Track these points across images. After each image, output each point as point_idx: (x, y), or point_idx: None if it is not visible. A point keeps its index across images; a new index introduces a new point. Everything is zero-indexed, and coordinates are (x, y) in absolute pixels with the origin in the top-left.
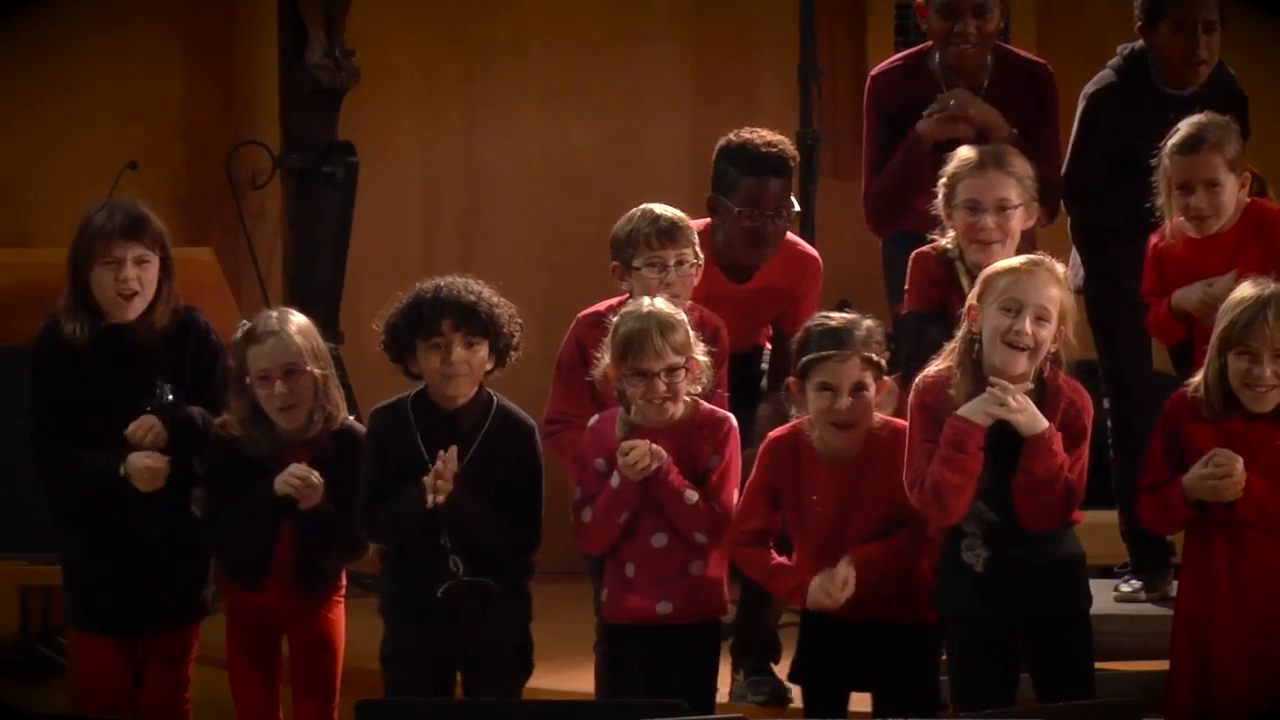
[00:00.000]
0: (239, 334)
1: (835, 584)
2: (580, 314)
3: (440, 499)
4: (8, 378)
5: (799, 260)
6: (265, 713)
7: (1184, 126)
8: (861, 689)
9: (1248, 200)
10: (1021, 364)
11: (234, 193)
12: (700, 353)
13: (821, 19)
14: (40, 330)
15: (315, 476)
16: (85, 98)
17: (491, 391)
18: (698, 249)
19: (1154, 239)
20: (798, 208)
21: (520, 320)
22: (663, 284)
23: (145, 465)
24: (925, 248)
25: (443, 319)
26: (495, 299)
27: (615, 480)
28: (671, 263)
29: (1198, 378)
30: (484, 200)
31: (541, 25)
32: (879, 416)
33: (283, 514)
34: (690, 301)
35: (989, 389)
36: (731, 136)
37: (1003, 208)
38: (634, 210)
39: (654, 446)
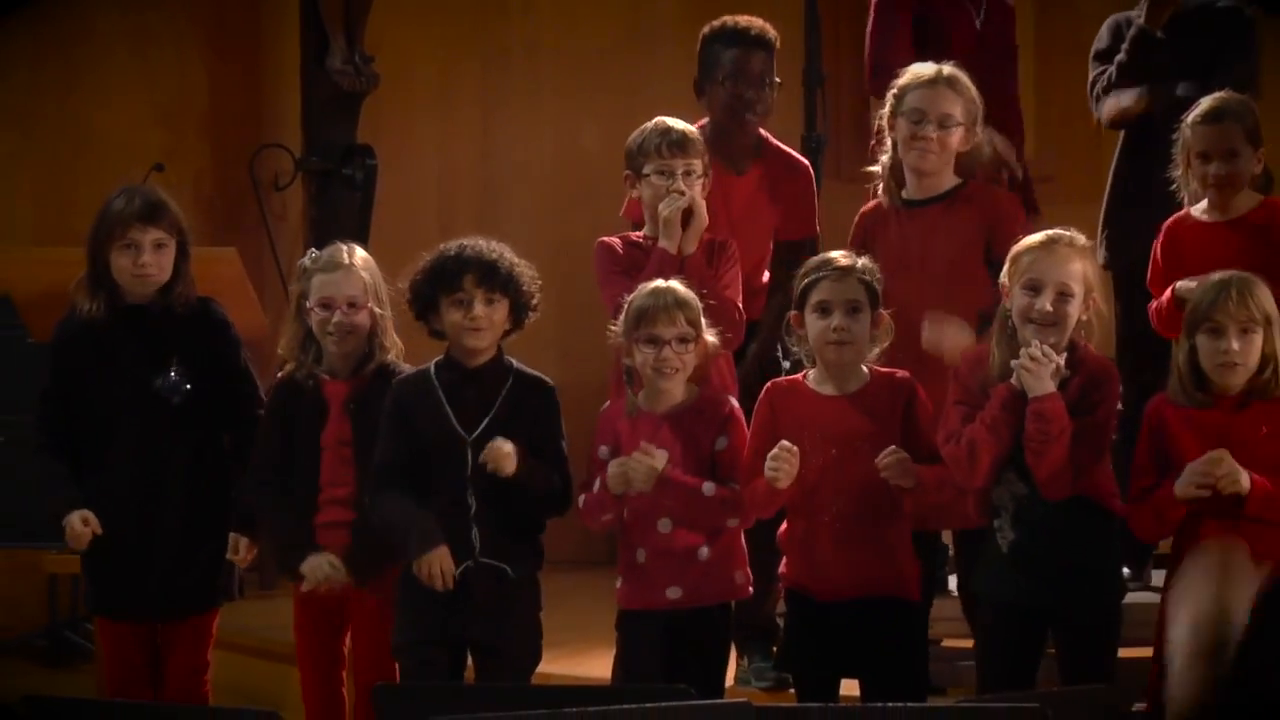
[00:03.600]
0: (307, 261)
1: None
2: None
3: (428, 583)
4: (41, 372)
5: (790, 162)
6: (331, 700)
7: (1205, 100)
8: (849, 673)
9: (1261, 198)
10: (1049, 339)
11: (257, 194)
12: (711, 335)
13: (826, 25)
14: (60, 320)
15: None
16: (114, 102)
17: (509, 357)
18: (706, 162)
19: (1167, 224)
20: (779, 80)
21: (540, 281)
22: (670, 189)
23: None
24: (867, 207)
25: (465, 275)
26: (516, 259)
27: (598, 486)
28: (679, 171)
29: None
30: (498, 201)
31: (554, 31)
32: (879, 369)
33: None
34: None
35: (1023, 350)
36: (712, 23)
37: (945, 124)
38: (647, 123)
39: (651, 461)
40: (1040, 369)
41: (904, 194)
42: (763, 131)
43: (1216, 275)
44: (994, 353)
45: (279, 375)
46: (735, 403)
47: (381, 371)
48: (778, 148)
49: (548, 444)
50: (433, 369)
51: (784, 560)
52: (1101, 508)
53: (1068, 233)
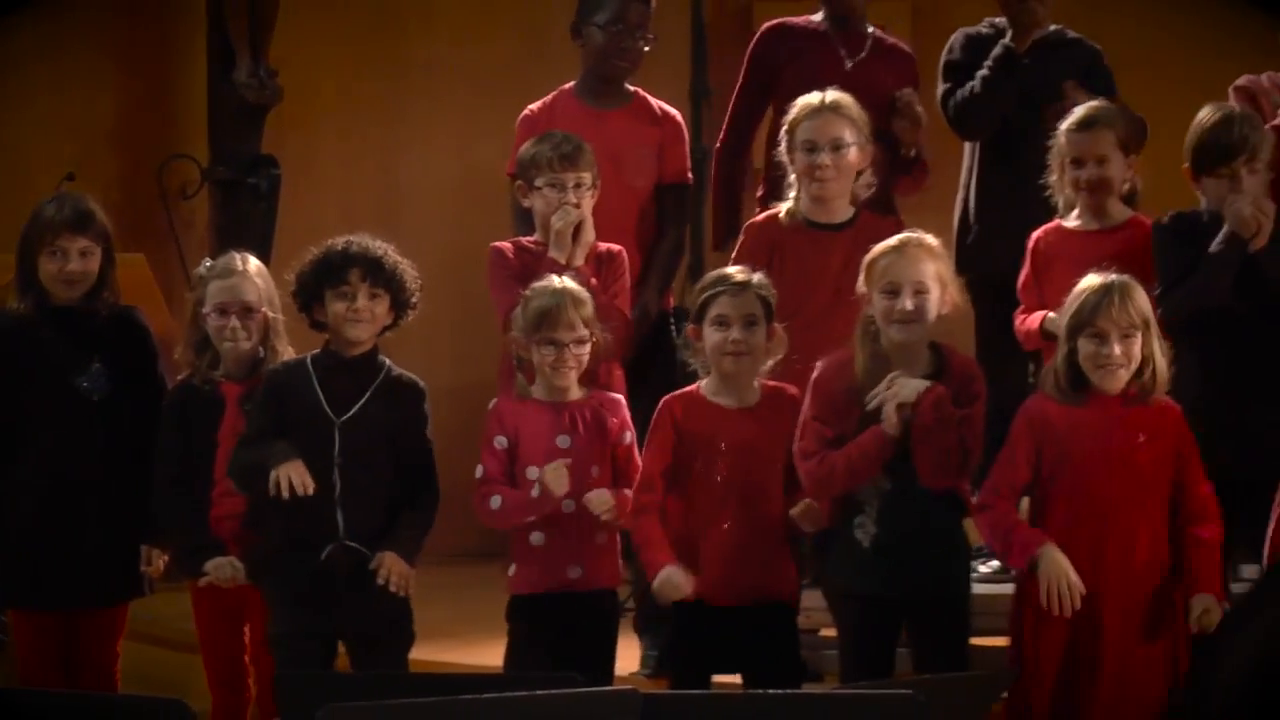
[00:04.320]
0: (204, 269)
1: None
2: None
3: (288, 493)
4: None
5: (660, 111)
6: (234, 688)
7: (1079, 109)
8: (730, 671)
9: (1132, 213)
10: (913, 336)
11: (164, 203)
12: (605, 332)
13: (712, 41)
14: None
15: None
16: (26, 114)
17: (385, 358)
18: (595, 173)
19: (1038, 233)
20: (653, 36)
21: (421, 281)
22: (561, 204)
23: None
24: (757, 218)
25: (351, 269)
26: (400, 258)
27: (536, 491)
28: (571, 184)
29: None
30: (398, 210)
31: (452, 48)
32: (769, 383)
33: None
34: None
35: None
36: None
37: (837, 146)
38: (542, 134)
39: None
40: (902, 385)
41: (803, 214)
42: (639, 89)
43: (1098, 279)
44: (858, 358)
45: (178, 379)
46: (623, 402)
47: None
48: (647, 98)
49: (414, 441)
50: (309, 357)
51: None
52: (959, 501)
53: (917, 234)
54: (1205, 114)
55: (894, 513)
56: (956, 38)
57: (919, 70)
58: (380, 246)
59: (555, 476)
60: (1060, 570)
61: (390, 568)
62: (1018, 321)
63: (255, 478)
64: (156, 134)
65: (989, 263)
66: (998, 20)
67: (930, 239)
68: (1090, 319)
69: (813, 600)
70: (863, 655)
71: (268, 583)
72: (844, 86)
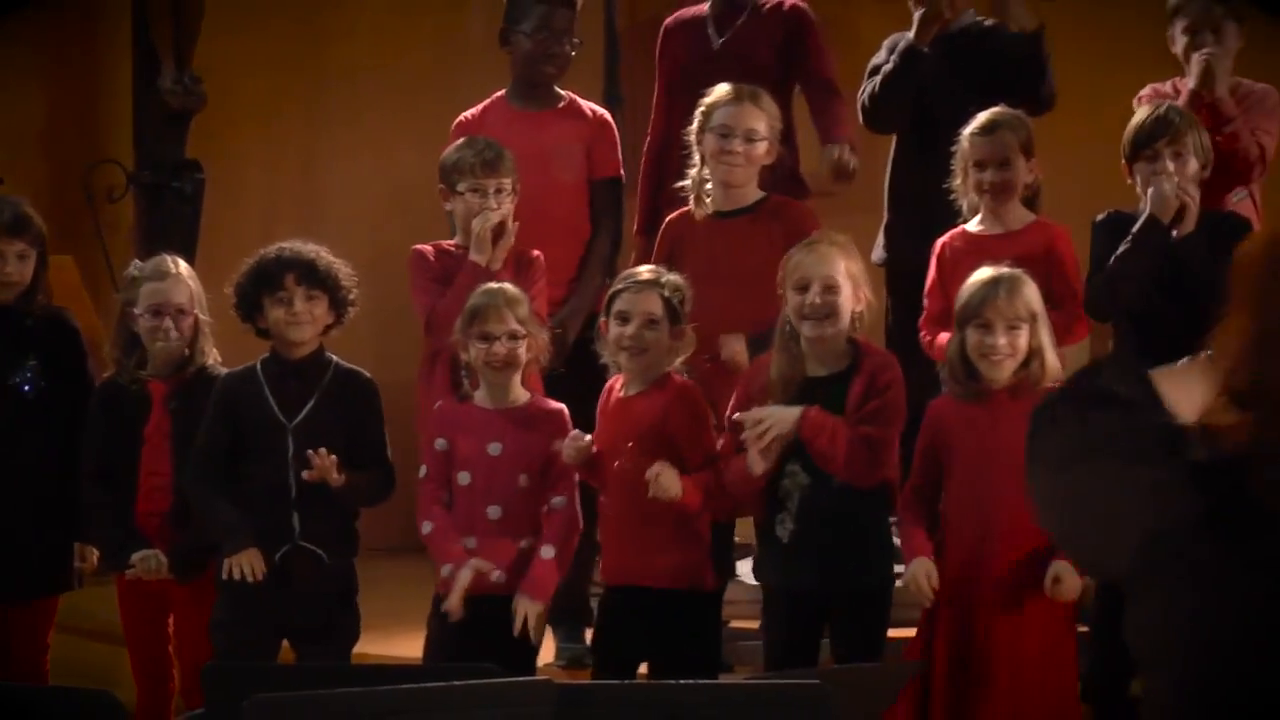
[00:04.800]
0: (134, 270)
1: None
2: None
3: (243, 576)
4: None
5: (586, 110)
6: (158, 678)
7: (982, 114)
8: (649, 659)
9: (1035, 217)
10: (825, 331)
11: (91, 206)
12: (541, 333)
13: (624, 49)
14: None
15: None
16: None
17: (331, 354)
18: (516, 179)
19: (943, 239)
20: (579, 40)
21: (356, 278)
22: (483, 209)
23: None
24: (673, 215)
25: (286, 274)
26: (333, 258)
27: (445, 572)
28: (492, 190)
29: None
30: (319, 213)
31: (372, 55)
32: (677, 376)
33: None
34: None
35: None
36: None
37: (750, 138)
38: (461, 139)
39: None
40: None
41: (712, 205)
42: (569, 92)
43: (989, 272)
44: (774, 358)
45: (103, 377)
46: (567, 412)
47: (201, 373)
48: (576, 100)
49: (368, 433)
50: (259, 364)
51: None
52: (886, 495)
53: (829, 234)
54: (1140, 110)
55: (812, 509)
56: (885, 42)
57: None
58: (313, 249)
59: (536, 622)
60: (916, 586)
61: (322, 467)
62: (923, 335)
63: (208, 529)
64: (83, 139)
65: (900, 257)
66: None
67: (841, 237)
68: (978, 310)
69: (727, 593)
70: (784, 648)
71: (220, 571)
72: (712, 66)
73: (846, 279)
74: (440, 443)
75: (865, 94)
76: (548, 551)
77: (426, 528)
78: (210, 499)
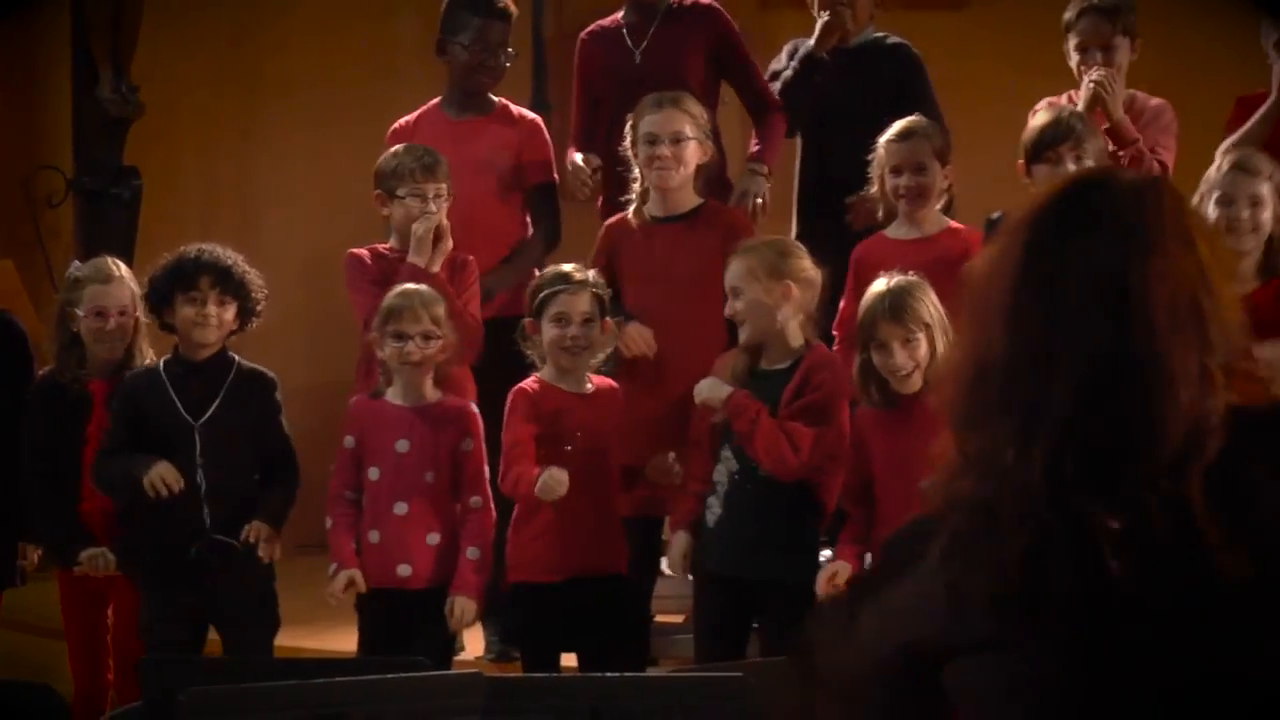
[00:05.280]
0: (76, 272)
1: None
2: None
3: (164, 492)
4: None
5: (521, 117)
6: (95, 672)
7: (898, 123)
8: (572, 648)
9: (949, 222)
10: (742, 338)
11: (32, 212)
12: (454, 333)
13: (551, 58)
14: None
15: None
16: None
17: (234, 354)
18: (450, 185)
19: (860, 245)
20: (514, 52)
21: (266, 290)
22: (422, 213)
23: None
24: (612, 220)
25: (202, 276)
26: (248, 267)
27: (330, 573)
28: (430, 194)
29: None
30: (255, 219)
31: (307, 65)
32: (596, 378)
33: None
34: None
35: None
36: None
37: (678, 140)
38: (398, 146)
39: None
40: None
41: (649, 212)
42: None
43: (881, 285)
44: (737, 351)
45: (40, 374)
46: (476, 409)
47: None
48: (508, 106)
49: (270, 430)
50: (161, 364)
51: (510, 544)
52: (807, 491)
53: (777, 239)
54: (1041, 114)
55: (737, 495)
56: (785, 46)
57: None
58: (230, 256)
59: (463, 612)
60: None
61: (258, 531)
62: (835, 326)
63: (123, 487)
64: (23, 146)
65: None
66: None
67: (753, 242)
68: (872, 331)
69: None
70: (711, 634)
71: (141, 575)
72: (637, 78)
73: (742, 284)
74: (349, 440)
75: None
76: (473, 553)
77: (328, 523)
78: (111, 475)
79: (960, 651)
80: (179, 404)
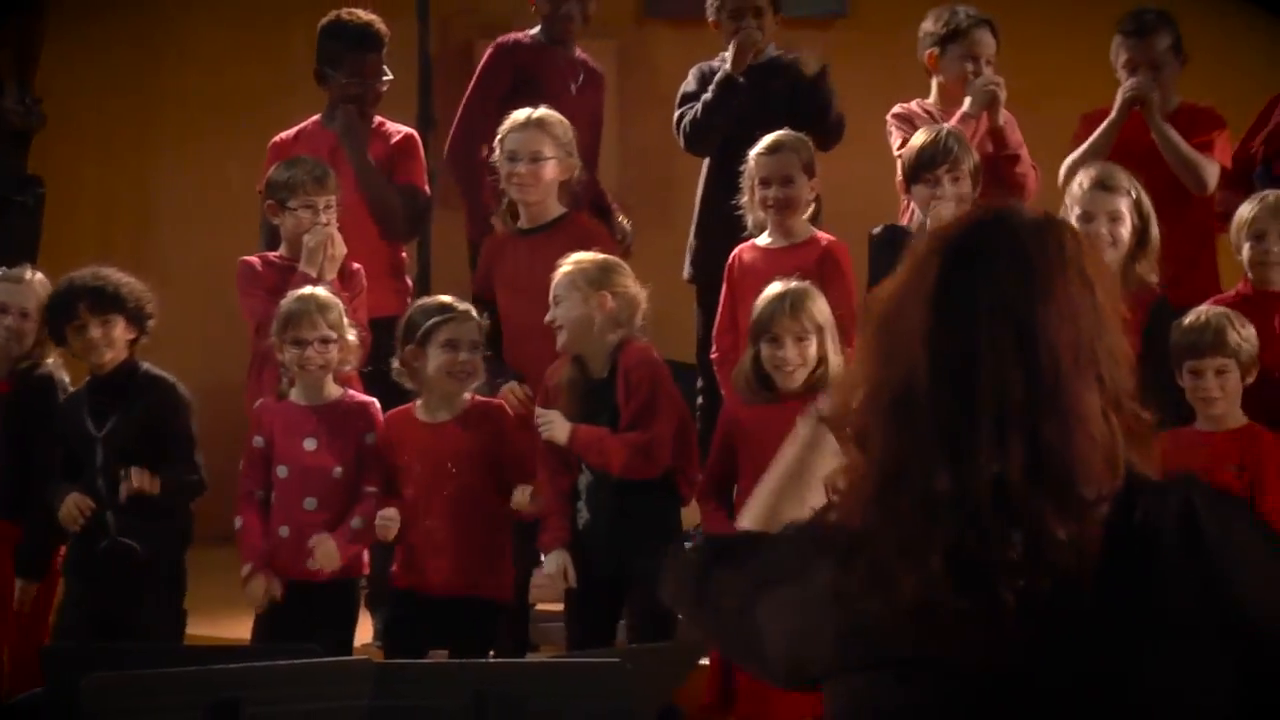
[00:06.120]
0: None
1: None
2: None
3: (77, 526)
4: None
5: (397, 131)
6: None
7: (767, 137)
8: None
9: (815, 231)
10: (559, 344)
11: None
12: (352, 336)
13: (436, 75)
14: None
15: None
16: None
17: (139, 361)
18: (340, 196)
19: (734, 253)
20: (390, 76)
21: (150, 293)
22: (313, 224)
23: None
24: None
25: (78, 304)
26: (122, 279)
27: (244, 572)
28: (321, 206)
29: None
30: (153, 228)
31: (203, 80)
32: (477, 397)
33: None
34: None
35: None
36: (332, 16)
37: (536, 159)
38: (291, 158)
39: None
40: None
41: (516, 223)
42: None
43: (779, 287)
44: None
45: None
46: (378, 404)
47: (38, 377)
48: (384, 123)
49: (175, 433)
50: (86, 383)
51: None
52: (663, 484)
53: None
54: (919, 134)
55: (596, 500)
56: (692, 71)
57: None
58: (101, 275)
59: (324, 553)
60: None
61: (139, 480)
62: (714, 347)
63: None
64: None
65: (709, 272)
66: (726, 54)
67: (577, 255)
68: (768, 325)
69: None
70: (584, 632)
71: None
72: (567, 111)
73: (575, 291)
74: (258, 440)
75: (687, 120)
76: (356, 522)
77: (237, 523)
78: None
79: (851, 669)
80: (87, 416)
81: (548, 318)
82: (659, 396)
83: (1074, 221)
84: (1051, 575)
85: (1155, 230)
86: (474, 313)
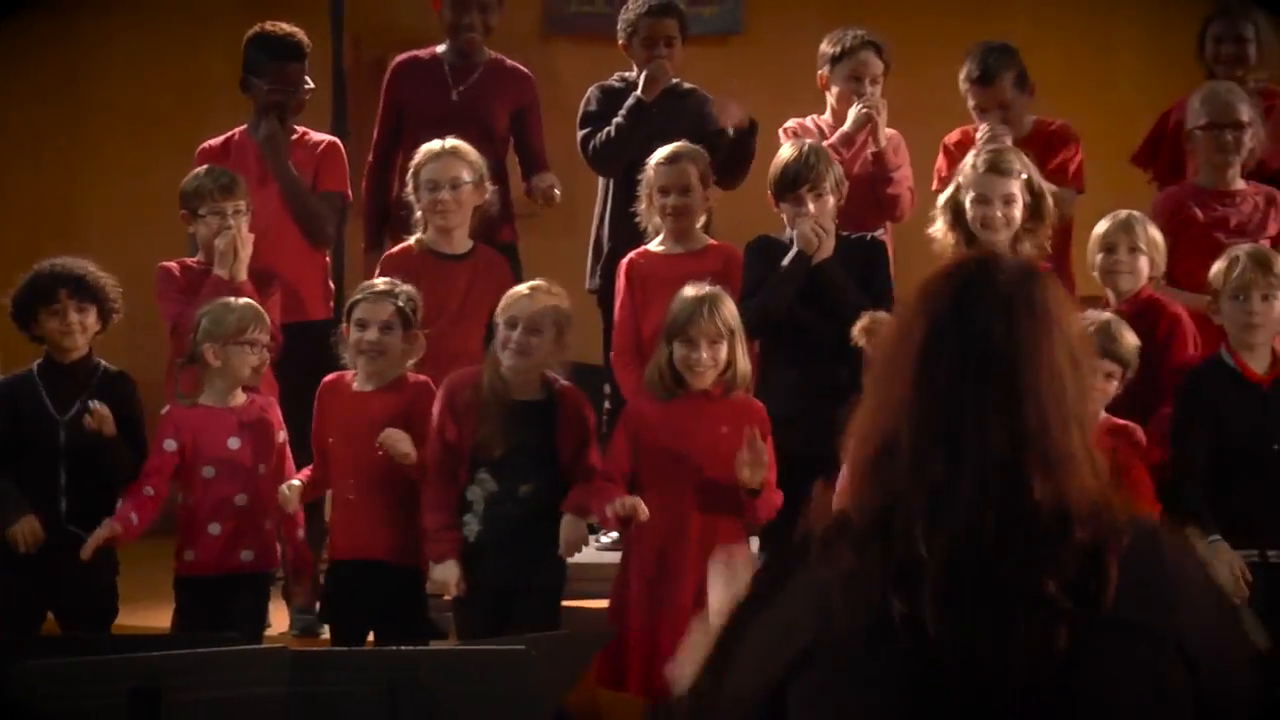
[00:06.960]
0: None
1: None
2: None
3: (24, 549)
4: None
5: (320, 140)
6: None
7: (666, 147)
8: (374, 625)
9: (710, 240)
10: (519, 366)
11: None
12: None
13: (350, 88)
14: None
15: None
16: None
17: (98, 358)
18: (249, 201)
19: (630, 256)
20: (311, 85)
21: (120, 290)
22: (222, 229)
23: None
24: (393, 250)
25: (59, 288)
26: (100, 273)
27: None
28: (230, 211)
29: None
30: (78, 236)
31: (125, 93)
32: (412, 375)
33: None
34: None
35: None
36: (259, 28)
37: (456, 185)
38: (199, 169)
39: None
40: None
41: (429, 245)
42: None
43: (693, 291)
44: (485, 374)
45: None
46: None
47: None
48: (307, 132)
49: (133, 426)
50: (35, 368)
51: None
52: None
53: (542, 283)
54: (785, 149)
55: (497, 514)
56: (593, 91)
57: (538, 94)
58: (82, 265)
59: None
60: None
61: (100, 419)
62: (614, 354)
63: None
64: None
65: (614, 280)
66: (627, 74)
67: (557, 288)
68: (683, 327)
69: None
70: (472, 629)
71: None
72: (451, 113)
73: (552, 325)
74: (169, 444)
75: (597, 142)
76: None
77: (135, 518)
78: None
79: (810, 667)
80: (48, 401)
81: (515, 339)
82: (594, 433)
83: (968, 205)
84: (1030, 642)
85: (1049, 203)
86: (397, 295)
